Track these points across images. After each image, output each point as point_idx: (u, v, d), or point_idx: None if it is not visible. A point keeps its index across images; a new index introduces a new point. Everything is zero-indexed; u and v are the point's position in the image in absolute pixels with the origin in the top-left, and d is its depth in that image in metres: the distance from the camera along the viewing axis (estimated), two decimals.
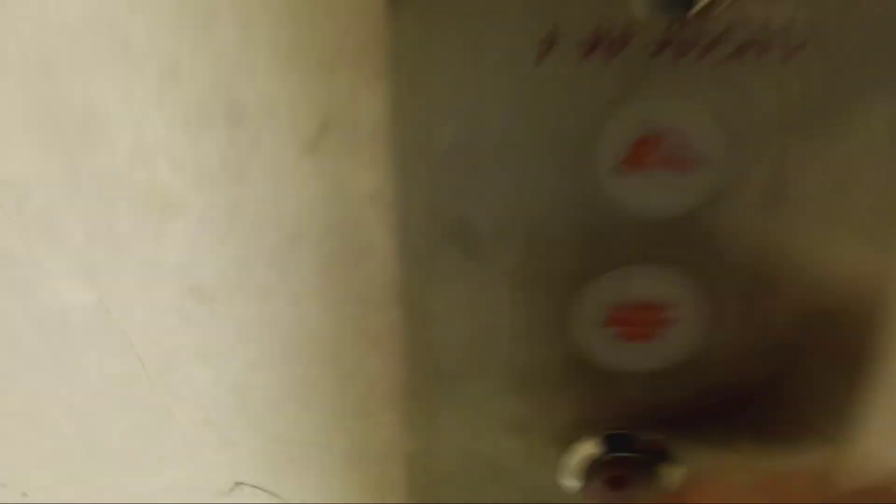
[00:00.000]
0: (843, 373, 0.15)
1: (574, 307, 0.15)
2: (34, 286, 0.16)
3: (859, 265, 0.14)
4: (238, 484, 0.18)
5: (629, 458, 0.16)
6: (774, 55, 0.12)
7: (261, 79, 0.14)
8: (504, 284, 0.15)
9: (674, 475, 0.16)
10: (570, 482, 0.17)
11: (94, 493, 0.19)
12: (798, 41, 0.12)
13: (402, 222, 0.14)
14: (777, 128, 0.13)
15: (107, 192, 0.15)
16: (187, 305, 0.16)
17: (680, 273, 0.14)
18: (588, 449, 0.16)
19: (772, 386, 0.15)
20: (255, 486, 0.18)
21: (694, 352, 0.15)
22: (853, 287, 0.14)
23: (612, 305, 0.15)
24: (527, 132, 0.13)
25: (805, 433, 0.16)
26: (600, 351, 0.15)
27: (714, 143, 0.13)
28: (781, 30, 0.12)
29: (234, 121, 0.14)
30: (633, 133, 0.13)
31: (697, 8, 0.12)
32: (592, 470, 0.17)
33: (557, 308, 0.15)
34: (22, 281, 0.16)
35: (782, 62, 0.12)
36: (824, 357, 0.15)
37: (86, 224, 0.15)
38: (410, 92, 0.13)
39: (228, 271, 0.16)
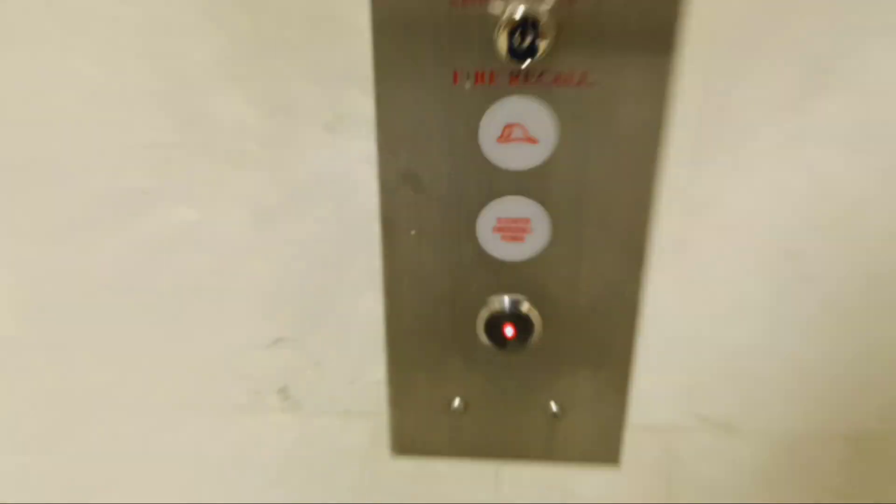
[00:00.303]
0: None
1: (476, 221, 0.26)
2: (162, 211, 0.27)
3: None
4: (278, 340, 0.30)
5: (514, 315, 0.28)
6: (571, 83, 0.24)
7: (303, 89, 0.25)
8: (436, 208, 0.26)
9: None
10: (482, 337, 0.29)
11: (164, 349, 0.30)
12: (581, 77, 0.23)
13: (380, 172, 0.26)
14: (577, 122, 0.24)
15: (213, 152, 0.26)
16: (251, 225, 0.27)
17: (535, 201, 0.26)
18: (487, 311, 0.28)
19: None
20: (291, 340, 0.30)
21: (549, 243, 0.27)
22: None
23: (497, 219, 0.26)
24: (447, 122, 0.25)
25: None
26: (493, 248, 0.27)
27: (545, 129, 0.24)
28: (572, 71, 0.23)
29: (288, 112, 0.25)
30: (503, 122, 0.24)
31: (531, 60, 0.23)
32: (491, 325, 0.28)
33: (466, 222, 0.26)
34: (152, 207, 0.27)
35: (576, 87, 0.24)
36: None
37: (195, 172, 0.27)
38: (386, 101, 0.24)
39: (281, 203, 0.27)
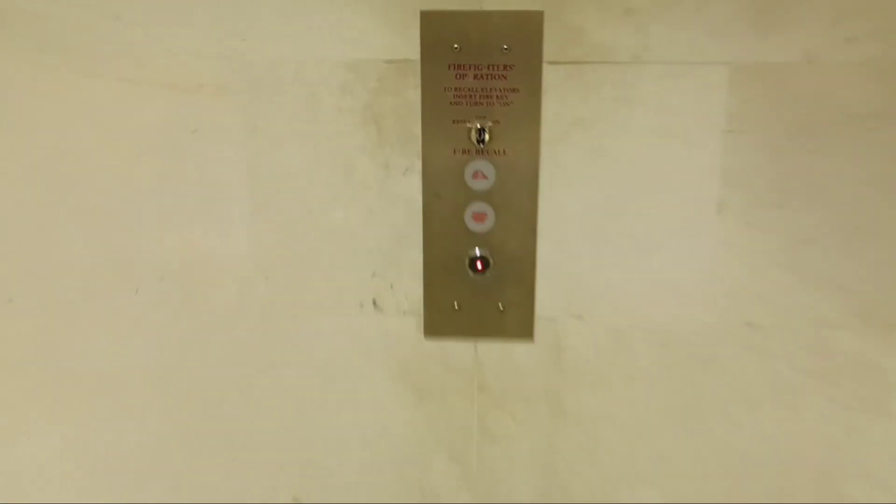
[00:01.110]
0: None
1: (464, 213, 0.62)
2: (329, 212, 0.63)
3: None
4: (374, 274, 0.65)
5: (481, 258, 0.63)
6: (501, 154, 0.60)
7: (394, 158, 0.62)
8: (447, 207, 0.62)
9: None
10: (468, 269, 0.63)
11: (317, 277, 0.65)
12: (503, 151, 0.60)
13: (424, 192, 0.62)
14: (504, 170, 0.61)
15: (353, 185, 0.63)
16: (367, 218, 0.63)
17: (488, 204, 0.62)
18: (468, 256, 0.63)
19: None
20: (379, 274, 0.65)
21: (495, 224, 0.62)
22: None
23: (473, 212, 0.62)
24: (451, 170, 0.61)
25: None
26: (471, 226, 0.62)
27: (491, 173, 0.61)
28: (501, 149, 0.60)
29: (387, 167, 0.62)
30: (473, 170, 0.61)
31: (483, 144, 0.60)
32: (471, 263, 0.63)
33: (460, 214, 0.62)
34: (325, 210, 0.63)
35: (503, 155, 0.60)
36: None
37: (344, 195, 0.63)
38: (427, 162, 0.61)
39: (381, 207, 0.63)
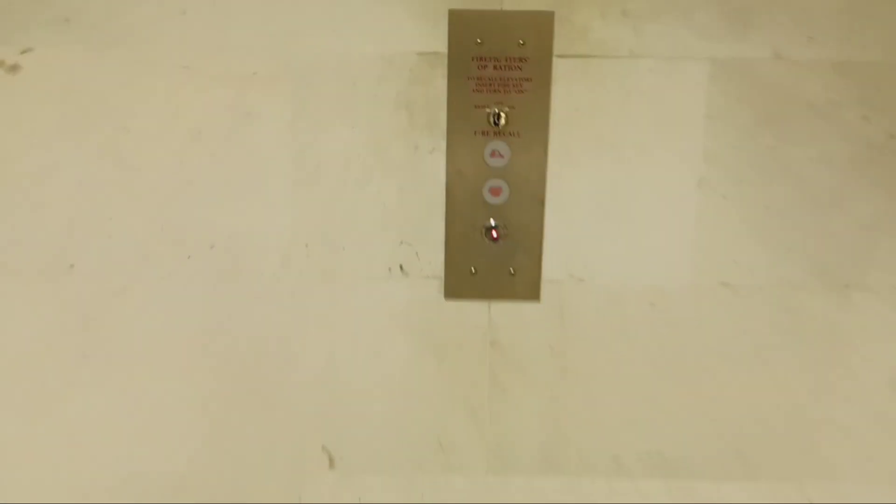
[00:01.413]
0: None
1: (483, 187, 0.71)
2: (374, 184, 0.72)
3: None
4: (402, 242, 0.74)
5: (496, 227, 0.72)
6: (516, 136, 0.70)
7: (422, 140, 0.71)
8: (468, 183, 0.71)
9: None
10: (484, 237, 0.73)
11: (354, 249, 0.74)
12: (517, 133, 0.70)
13: (447, 170, 0.71)
14: (518, 149, 0.70)
15: (391, 164, 0.72)
16: (400, 193, 0.73)
17: (503, 179, 0.71)
18: (485, 225, 0.72)
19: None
20: (407, 242, 0.74)
21: (508, 198, 0.72)
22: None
23: (490, 187, 0.71)
24: (472, 150, 0.71)
25: None
26: (489, 199, 0.72)
27: (506, 152, 0.70)
28: (515, 131, 0.70)
29: (416, 147, 0.71)
30: (491, 149, 0.70)
31: (500, 125, 0.69)
32: (487, 231, 0.73)
33: (479, 188, 0.71)
34: (368, 180, 0.72)
35: (517, 137, 0.70)
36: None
37: (384, 173, 0.72)
38: (451, 142, 0.70)
39: (412, 181, 0.72)
